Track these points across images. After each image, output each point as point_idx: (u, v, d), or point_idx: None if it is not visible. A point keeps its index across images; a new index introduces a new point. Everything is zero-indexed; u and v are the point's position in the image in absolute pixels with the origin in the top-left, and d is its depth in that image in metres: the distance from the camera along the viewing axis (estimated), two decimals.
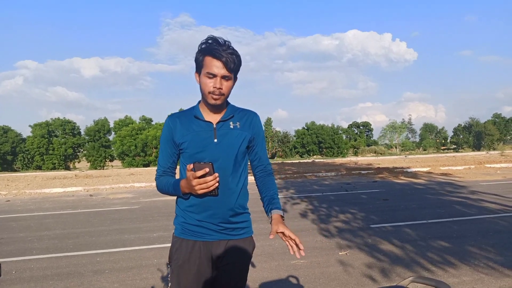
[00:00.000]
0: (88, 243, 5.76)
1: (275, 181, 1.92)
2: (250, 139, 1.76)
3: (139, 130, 41.73)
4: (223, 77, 1.62)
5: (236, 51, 1.64)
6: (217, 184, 1.56)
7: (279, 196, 1.85)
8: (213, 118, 1.72)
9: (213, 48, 1.60)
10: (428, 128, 65.97)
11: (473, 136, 56.84)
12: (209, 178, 1.52)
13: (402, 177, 14.27)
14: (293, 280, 3.94)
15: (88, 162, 45.27)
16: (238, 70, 1.70)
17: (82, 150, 47.39)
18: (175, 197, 1.78)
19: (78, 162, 48.30)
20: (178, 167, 1.84)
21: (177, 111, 1.75)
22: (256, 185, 1.88)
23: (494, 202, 7.88)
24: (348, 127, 60.96)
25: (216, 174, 1.55)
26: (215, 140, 1.68)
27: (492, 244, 4.84)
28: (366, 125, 63.00)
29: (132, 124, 43.27)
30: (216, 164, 1.63)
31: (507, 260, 4.24)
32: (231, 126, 1.72)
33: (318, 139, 48.84)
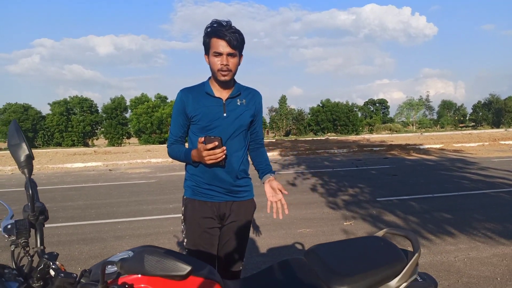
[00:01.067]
0: (109, 213, 6.18)
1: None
2: (253, 115, 1.97)
3: (154, 107, 42.29)
4: (229, 54, 1.80)
5: (238, 30, 1.83)
6: (224, 156, 1.77)
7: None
8: (222, 94, 1.91)
9: (217, 29, 1.78)
10: (447, 105, 64.82)
11: (492, 113, 55.64)
12: (218, 150, 1.73)
13: (413, 154, 14.34)
14: (299, 246, 4.23)
15: (106, 139, 46.31)
16: (242, 47, 1.88)
17: (99, 127, 48.46)
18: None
19: (96, 139, 49.49)
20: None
21: (182, 88, 1.99)
22: (249, 155, 2.13)
23: (502, 178, 7.98)
24: (364, 105, 60.40)
25: (224, 148, 1.75)
26: (224, 115, 1.88)
27: (493, 217, 5.03)
28: (383, 102, 62.26)
29: (147, 101, 43.82)
30: (224, 135, 1.85)
31: (504, 230, 4.44)
32: (238, 103, 1.93)
33: (332, 116, 48.60)
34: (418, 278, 1.57)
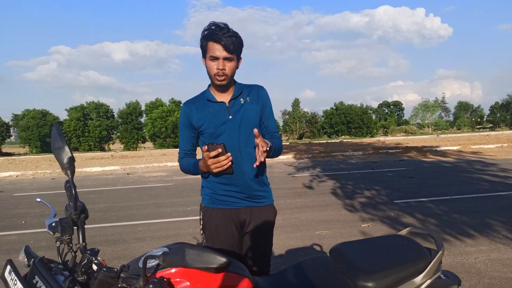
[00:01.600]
0: (129, 215, 6.30)
1: (281, 142, 1.96)
2: (259, 110, 1.91)
3: (169, 112, 42.69)
4: (225, 58, 1.76)
5: (236, 33, 1.79)
6: (230, 163, 1.70)
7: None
8: (225, 98, 1.87)
9: (213, 33, 1.74)
10: (463, 107, 63.71)
11: (510, 114, 54.48)
12: (222, 158, 1.67)
13: (430, 156, 14.18)
14: (317, 248, 4.26)
15: (121, 144, 46.93)
16: (240, 50, 1.84)
17: (115, 132, 49.15)
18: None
19: (112, 144, 50.20)
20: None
21: (185, 101, 1.89)
22: None
23: None
24: (378, 107, 59.83)
25: (229, 154, 1.69)
26: (230, 117, 1.83)
27: None
28: (397, 104, 61.58)
29: (162, 106, 44.29)
30: (233, 137, 1.81)
31: None
32: (242, 102, 1.88)
33: (346, 119, 48.28)
34: (442, 275, 1.60)
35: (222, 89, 1.87)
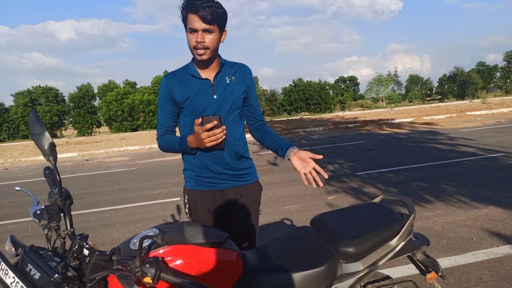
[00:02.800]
0: (94, 202, 6.15)
1: None
2: (245, 91, 1.85)
3: (124, 94, 41.24)
4: (204, 30, 1.65)
5: (217, 2, 1.67)
6: (224, 136, 1.65)
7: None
8: (209, 74, 1.78)
9: (191, 3, 1.63)
10: (414, 80, 66.52)
11: (457, 85, 57.58)
12: (218, 130, 1.61)
13: (386, 128, 14.81)
14: (287, 222, 4.40)
15: (75, 129, 44.97)
16: (222, 21, 1.70)
17: (67, 117, 46.90)
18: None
19: (65, 130, 47.97)
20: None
21: (163, 73, 1.84)
22: (254, 137, 2.00)
23: (471, 146, 8.43)
24: (335, 83, 61.06)
25: (224, 127, 1.64)
26: (215, 97, 1.76)
27: (464, 183, 5.36)
28: (353, 79, 63.16)
29: (116, 88, 42.66)
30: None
31: (476, 195, 4.76)
32: (227, 81, 1.80)
33: (305, 95, 48.97)
34: (413, 238, 1.73)
35: (205, 64, 1.77)
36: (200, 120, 1.62)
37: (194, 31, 1.66)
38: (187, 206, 1.91)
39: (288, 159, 1.82)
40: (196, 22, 1.64)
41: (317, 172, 1.76)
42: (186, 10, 1.66)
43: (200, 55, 1.69)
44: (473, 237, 3.51)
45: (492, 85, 63.67)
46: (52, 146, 1.28)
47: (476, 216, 4.04)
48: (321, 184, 1.73)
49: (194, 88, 1.76)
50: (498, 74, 63.53)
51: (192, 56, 1.81)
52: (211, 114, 1.73)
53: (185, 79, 1.79)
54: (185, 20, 1.69)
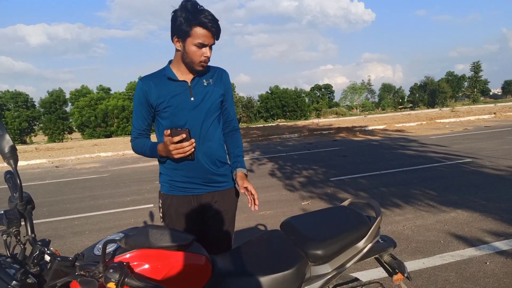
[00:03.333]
0: (63, 210, 5.96)
1: (240, 137, 2.02)
2: (222, 95, 1.85)
3: (98, 100, 40.41)
4: (210, 45, 1.71)
5: (215, 16, 1.70)
6: (193, 149, 1.65)
7: (245, 158, 2.08)
8: (187, 77, 1.77)
9: (202, 20, 1.63)
10: (386, 88, 68.36)
11: (428, 94, 59.52)
12: (186, 144, 1.61)
13: (360, 135, 15.10)
14: (261, 227, 4.41)
15: (45, 136, 43.61)
16: None
17: (38, 123, 45.47)
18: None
19: (35, 136, 46.46)
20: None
21: (138, 78, 1.83)
22: (224, 141, 1.98)
23: (440, 153, 8.71)
24: (311, 90, 61.94)
25: (193, 140, 1.63)
26: (192, 99, 1.75)
27: (433, 188, 5.52)
28: (328, 87, 64.21)
29: (89, 94, 41.75)
30: (195, 120, 1.75)
31: (444, 199, 4.91)
32: (205, 84, 1.79)
33: (281, 102, 49.41)
34: (380, 240, 1.77)
35: (193, 71, 1.78)
36: (169, 131, 1.62)
37: (204, 46, 1.68)
38: (161, 210, 1.89)
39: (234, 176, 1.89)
40: (208, 38, 1.67)
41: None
42: (194, 23, 1.64)
43: (204, 66, 1.74)
44: (441, 240, 3.62)
45: (460, 94, 66.24)
46: (13, 149, 1.24)
47: (444, 220, 4.16)
48: (255, 204, 1.78)
49: (171, 91, 1.75)
50: (466, 84, 66.12)
51: (168, 60, 1.82)
52: (187, 118, 1.74)
53: (161, 82, 1.77)
54: (187, 32, 1.66)
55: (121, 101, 39.93)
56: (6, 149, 1.23)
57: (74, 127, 43.23)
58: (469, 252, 3.29)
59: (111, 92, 43.89)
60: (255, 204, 1.77)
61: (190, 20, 1.64)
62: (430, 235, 3.76)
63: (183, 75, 1.78)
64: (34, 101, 45.28)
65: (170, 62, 1.82)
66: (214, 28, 1.66)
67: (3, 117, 42.55)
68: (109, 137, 36.15)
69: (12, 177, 1.36)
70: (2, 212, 1.22)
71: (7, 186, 1.40)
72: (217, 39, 1.73)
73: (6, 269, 1.12)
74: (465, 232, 3.75)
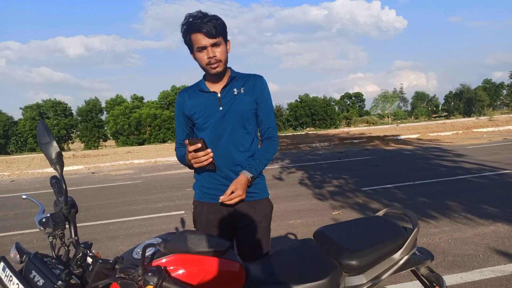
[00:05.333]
0: (99, 215, 6.16)
1: (273, 145, 1.90)
2: (254, 103, 1.83)
3: (132, 108, 41.65)
4: (212, 45, 1.69)
5: (214, 15, 1.70)
6: (210, 159, 1.65)
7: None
8: (217, 88, 1.80)
9: (192, 23, 1.67)
10: (420, 97, 66.54)
11: (463, 102, 57.44)
12: (200, 153, 1.62)
13: (392, 144, 14.76)
14: (291, 236, 4.38)
15: (81, 143, 45.32)
16: (225, 32, 1.75)
17: (75, 131, 47.34)
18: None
19: (72, 143, 48.36)
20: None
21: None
22: None
23: (477, 163, 8.37)
24: (341, 99, 61.26)
25: (208, 150, 1.63)
26: (220, 108, 1.77)
27: (471, 200, 5.31)
28: (358, 95, 63.32)
29: (124, 103, 43.12)
30: (222, 130, 1.77)
31: (483, 212, 4.71)
32: (235, 93, 1.80)
33: (311, 111, 49.14)
34: (417, 252, 1.72)
35: (217, 78, 1.80)
36: (187, 141, 1.66)
37: (203, 48, 1.70)
38: (193, 217, 1.93)
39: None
40: (203, 40, 1.68)
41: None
42: (189, 32, 1.70)
43: (215, 68, 1.73)
44: (480, 254, 3.46)
45: (498, 102, 63.44)
46: (59, 155, 1.31)
47: (482, 233, 3.99)
48: (223, 199, 1.69)
49: (201, 102, 1.80)
50: (504, 92, 63.37)
51: (203, 74, 1.86)
52: (213, 127, 1.78)
53: (194, 94, 1.84)
54: (189, 42, 1.74)
55: (154, 110, 40.97)
56: (53, 155, 1.30)
57: (109, 135, 44.71)
58: (511, 267, 3.13)
59: (144, 101, 45.15)
60: (224, 198, 1.69)
61: (185, 32, 1.72)
62: (468, 249, 3.61)
63: (213, 86, 1.82)
64: (72, 110, 47.24)
65: (204, 75, 1.88)
66: (205, 28, 1.66)
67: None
68: (141, 145, 37.11)
69: (58, 182, 1.43)
70: (49, 215, 1.29)
71: (52, 190, 1.47)
72: (216, 36, 1.69)
73: (52, 269, 1.18)
74: (506, 247, 3.57)
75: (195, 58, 1.77)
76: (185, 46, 1.80)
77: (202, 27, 1.65)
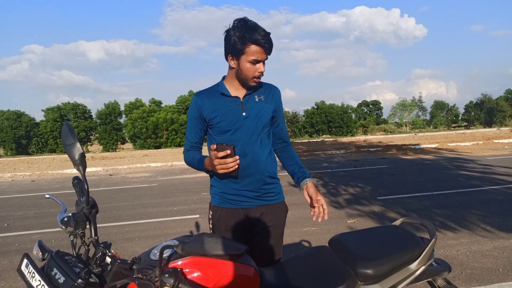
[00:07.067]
0: (115, 216, 6.26)
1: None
2: (273, 111, 1.89)
3: (149, 112, 42.22)
4: (264, 60, 1.77)
5: (269, 33, 1.76)
6: (236, 166, 1.65)
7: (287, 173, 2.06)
8: (239, 93, 1.83)
9: (256, 38, 1.69)
10: (439, 106, 65.43)
11: (484, 112, 56.26)
12: (229, 160, 1.61)
13: (410, 154, 14.54)
14: (306, 244, 4.35)
15: (100, 145, 46.11)
16: None
17: (94, 133, 48.24)
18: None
19: (91, 145, 49.27)
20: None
21: (188, 92, 1.88)
22: (277, 156, 2.04)
23: (498, 174, 8.17)
24: (358, 106, 60.71)
25: (237, 157, 1.63)
26: (244, 114, 1.80)
27: (491, 212, 5.19)
28: (376, 103, 62.64)
29: (142, 106, 43.75)
30: (246, 136, 1.79)
31: (503, 225, 4.60)
32: (257, 100, 1.84)
33: (327, 118, 48.84)
34: (434, 263, 1.70)
35: (245, 86, 1.84)
36: (215, 146, 1.65)
37: (257, 62, 1.74)
38: (210, 222, 1.93)
39: (301, 190, 1.92)
40: (261, 54, 1.73)
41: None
42: (248, 40, 1.70)
43: (257, 81, 1.79)
44: (499, 268, 3.38)
45: None
46: (82, 156, 1.35)
47: (502, 247, 3.89)
48: (319, 220, 1.82)
49: (224, 106, 1.81)
50: None
51: (222, 76, 1.89)
52: (239, 133, 1.79)
53: (214, 97, 1.84)
54: (240, 48, 1.72)
55: (171, 114, 41.42)
56: (77, 156, 1.34)
57: (126, 138, 45.38)
58: None
59: (162, 105, 45.72)
60: (325, 214, 1.81)
61: (243, 38, 1.70)
62: (487, 262, 3.52)
63: (236, 91, 1.83)
64: (91, 112, 48.20)
65: (223, 78, 1.89)
66: (267, 44, 1.72)
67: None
68: (158, 148, 37.52)
69: (80, 182, 1.47)
70: (70, 214, 1.32)
71: (71, 191, 1.51)
72: (269, 54, 1.77)
73: (73, 267, 1.21)
74: None
75: (236, 64, 1.77)
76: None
77: (266, 43, 1.71)
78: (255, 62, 1.73)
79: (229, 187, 1.84)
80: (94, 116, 47.69)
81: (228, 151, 1.61)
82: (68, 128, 1.37)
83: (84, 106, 48.25)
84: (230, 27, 1.76)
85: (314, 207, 1.82)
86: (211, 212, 1.93)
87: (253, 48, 1.71)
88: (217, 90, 1.85)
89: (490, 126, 46.48)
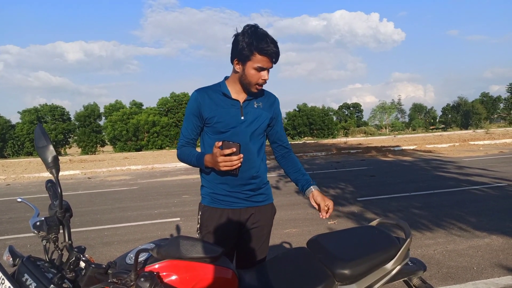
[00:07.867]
0: (94, 220, 6.13)
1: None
2: (270, 119, 1.94)
3: (130, 114, 41.62)
4: (269, 68, 1.80)
5: (276, 42, 1.79)
6: (240, 164, 1.67)
7: (272, 175, 2.11)
8: (240, 96, 1.85)
9: (263, 47, 1.71)
10: (417, 108, 66.90)
11: (461, 115, 57.75)
12: (235, 157, 1.63)
13: (389, 155, 14.80)
14: (286, 245, 4.37)
15: (79, 148, 45.14)
16: None
17: (72, 135, 47.20)
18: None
19: (69, 148, 48.17)
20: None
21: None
22: (279, 163, 2.09)
23: (473, 175, 8.40)
24: (339, 109, 61.44)
25: (241, 155, 1.65)
26: (242, 118, 1.82)
27: (466, 212, 5.33)
28: (356, 106, 63.52)
29: (123, 108, 43.09)
30: (242, 139, 1.79)
31: (478, 224, 4.72)
32: (255, 106, 1.87)
33: (309, 120, 49.21)
34: (409, 262, 1.73)
35: (242, 88, 1.86)
36: (220, 143, 1.66)
37: (263, 69, 1.77)
38: (199, 221, 1.93)
39: (307, 197, 1.98)
40: (267, 63, 1.76)
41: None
42: (256, 49, 1.72)
43: (259, 88, 1.83)
44: (474, 266, 3.47)
45: (495, 115, 63.79)
46: (56, 159, 1.32)
47: (477, 246, 4.00)
48: (326, 216, 1.90)
49: (223, 106, 1.83)
50: (501, 105, 63.74)
51: (224, 76, 1.92)
52: (235, 135, 1.80)
53: (215, 97, 1.85)
54: (248, 56, 1.74)
55: (152, 116, 40.95)
56: (50, 159, 1.31)
57: (106, 140, 44.57)
58: (505, 280, 3.14)
59: (143, 107, 45.13)
60: (326, 213, 1.89)
61: (252, 45, 1.72)
62: (462, 261, 3.61)
63: (237, 94, 1.86)
64: (70, 115, 47.14)
65: (225, 78, 1.91)
66: (274, 54, 1.75)
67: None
68: (139, 151, 37.02)
69: (53, 185, 1.43)
70: (43, 218, 1.29)
71: (47, 195, 1.47)
72: (275, 63, 1.81)
73: (45, 273, 1.18)
74: (501, 260, 3.58)
75: (244, 71, 1.78)
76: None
77: (273, 54, 1.75)
78: (260, 69, 1.76)
79: (220, 188, 1.86)
80: (72, 118, 46.67)
81: (234, 149, 1.62)
82: (41, 130, 1.34)
83: (62, 108, 47.15)
84: (240, 32, 1.78)
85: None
86: (200, 212, 1.94)
87: (260, 56, 1.73)
88: (219, 90, 1.87)
89: (466, 128, 47.80)
